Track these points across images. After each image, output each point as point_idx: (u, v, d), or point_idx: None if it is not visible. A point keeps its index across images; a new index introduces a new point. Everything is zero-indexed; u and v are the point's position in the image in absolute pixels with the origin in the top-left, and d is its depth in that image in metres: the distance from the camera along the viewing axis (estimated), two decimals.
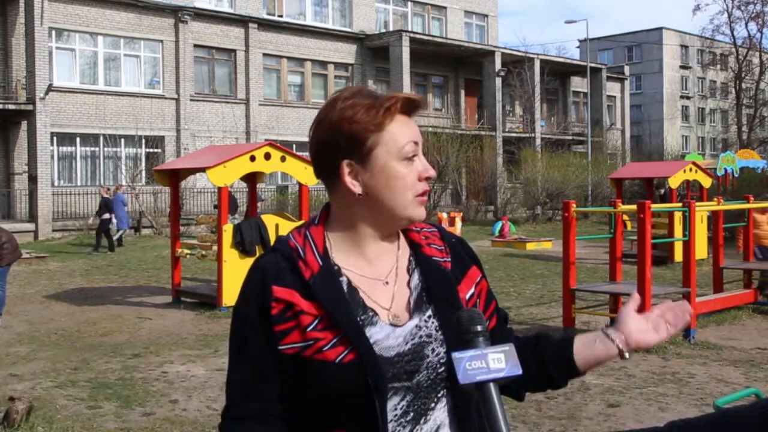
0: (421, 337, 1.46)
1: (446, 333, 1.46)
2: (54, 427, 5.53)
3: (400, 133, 1.47)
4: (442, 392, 1.47)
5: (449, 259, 1.56)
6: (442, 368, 1.45)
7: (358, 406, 1.38)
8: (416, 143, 1.49)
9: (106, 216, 18.58)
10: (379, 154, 1.46)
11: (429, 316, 1.48)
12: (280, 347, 1.43)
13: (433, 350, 1.45)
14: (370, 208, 1.49)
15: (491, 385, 1.24)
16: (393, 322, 1.46)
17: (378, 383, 1.38)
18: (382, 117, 1.46)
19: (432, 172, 1.51)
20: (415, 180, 1.48)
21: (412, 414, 1.44)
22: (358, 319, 1.43)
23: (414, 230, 1.57)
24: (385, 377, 1.40)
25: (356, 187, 1.47)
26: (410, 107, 1.51)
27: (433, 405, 1.46)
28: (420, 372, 1.44)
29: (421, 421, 1.45)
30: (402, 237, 1.57)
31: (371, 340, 1.41)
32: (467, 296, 1.55)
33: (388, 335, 1.44)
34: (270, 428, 1.45)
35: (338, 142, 1.47)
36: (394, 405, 1.42)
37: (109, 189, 19.95)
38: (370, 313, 1.45)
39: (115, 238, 19.17)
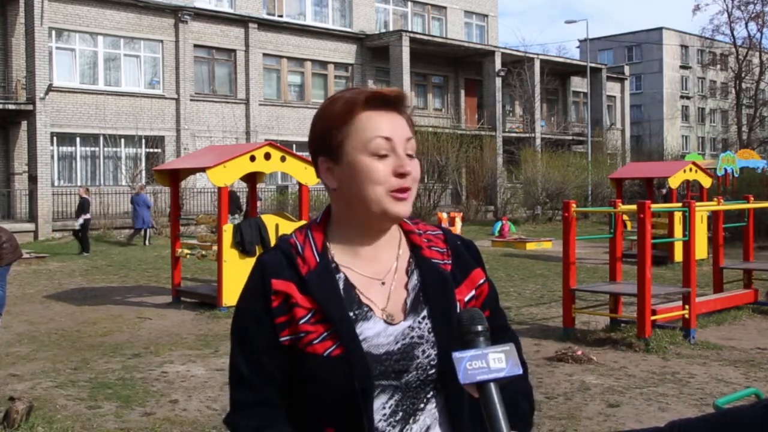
0: (412, 337, 1.46)
1: (439, 335, 1.46)
2: (54, 427, 5.53)
3: (369, 128, 1.46)
4: (431, 393, 1.46)
5: (450, 262, 1.55)
6: (433, 370, 1.45)
7: (346, 402, 1.39)
8: (388, 138, 1.46)
9: (81, 216, 18.72)
10: (347, 149, 1.47)
11: (423, 318, 1.48)
12: (280, 339, 1.44)
13: (423, 351, 1.45)
14: (346, 203, 1.50)
15: (492, 385, 1.24)
16: (387, 321, 1.47)
17: (363, 379, 1.38)
18: (349, 112, 1.47)
19: (408, 168, 1.46)
20: (388, 175, 1.45)
21: (401, 413, 1.44)
22: (352, 314, 1.44)
23: (416, 232, 1.57)
24: (371, 374, 1.40)
25: (331, 182, 1.49)
26: (388, 102, 1.49)
27: (422, 405, 1.46)
28: (409, 372, 1.44)
29: (410, 421, 1.45)
30: (404, 239, 1.57)
31: (361, 337, 1.42)
32: (466, 298, 1.55)
33: (379, 333, 1.44)
34: (274, 413, 1.45)
35: (315, 139, 1.52)
36: (382, 404, 1.42)
37: (88, 189, 20.15)
38: (365, 309, 1.46)
39: (146, 237, 20.23)
